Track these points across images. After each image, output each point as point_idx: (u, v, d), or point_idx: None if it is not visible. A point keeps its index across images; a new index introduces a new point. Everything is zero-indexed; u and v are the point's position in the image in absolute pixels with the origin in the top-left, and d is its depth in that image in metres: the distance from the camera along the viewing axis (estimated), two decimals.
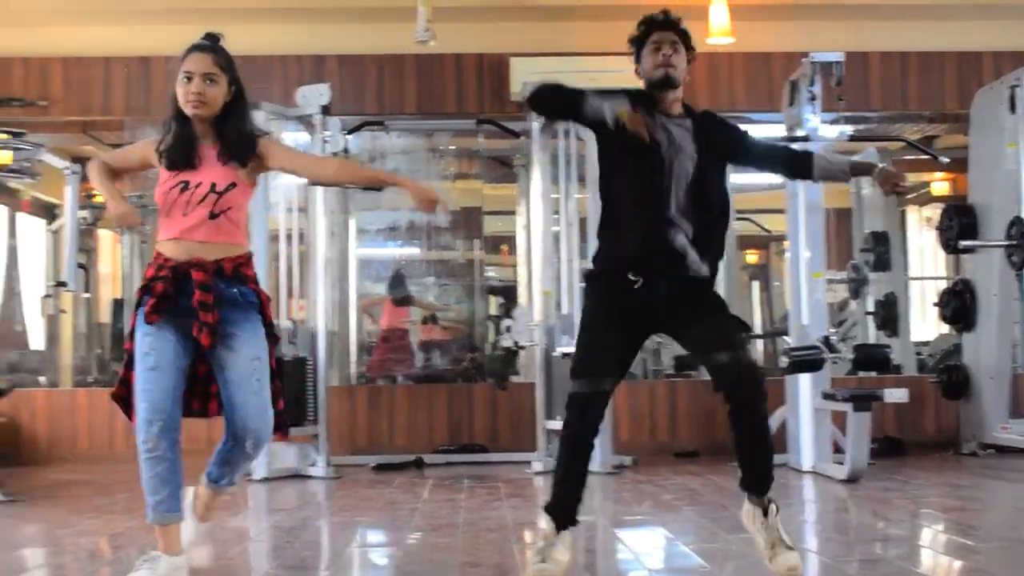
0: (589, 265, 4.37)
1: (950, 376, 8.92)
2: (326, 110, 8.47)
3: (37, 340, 11.61)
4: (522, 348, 8.60)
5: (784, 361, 7.75)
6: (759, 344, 11.81)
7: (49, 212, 11.63)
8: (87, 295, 11.79)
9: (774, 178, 7.49)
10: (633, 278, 4.07)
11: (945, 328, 10.35)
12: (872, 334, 10.99)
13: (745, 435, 4.03)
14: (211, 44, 3.99)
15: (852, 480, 7.05)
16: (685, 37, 4.19)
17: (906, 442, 8.96)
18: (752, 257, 13.42)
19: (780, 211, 8.89)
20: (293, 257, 8.51)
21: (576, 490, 4.09)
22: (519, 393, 8.94)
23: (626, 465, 8.18)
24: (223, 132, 3.95)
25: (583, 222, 8.33)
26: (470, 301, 11.46)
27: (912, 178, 12.27)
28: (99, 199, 11.52)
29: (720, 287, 10.61)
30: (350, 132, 9.09)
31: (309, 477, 8.00)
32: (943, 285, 10.65)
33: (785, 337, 8.70)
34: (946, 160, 9.32)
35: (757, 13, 9.26)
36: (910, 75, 9.77)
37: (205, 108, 3.91)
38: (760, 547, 4.06)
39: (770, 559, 4.00)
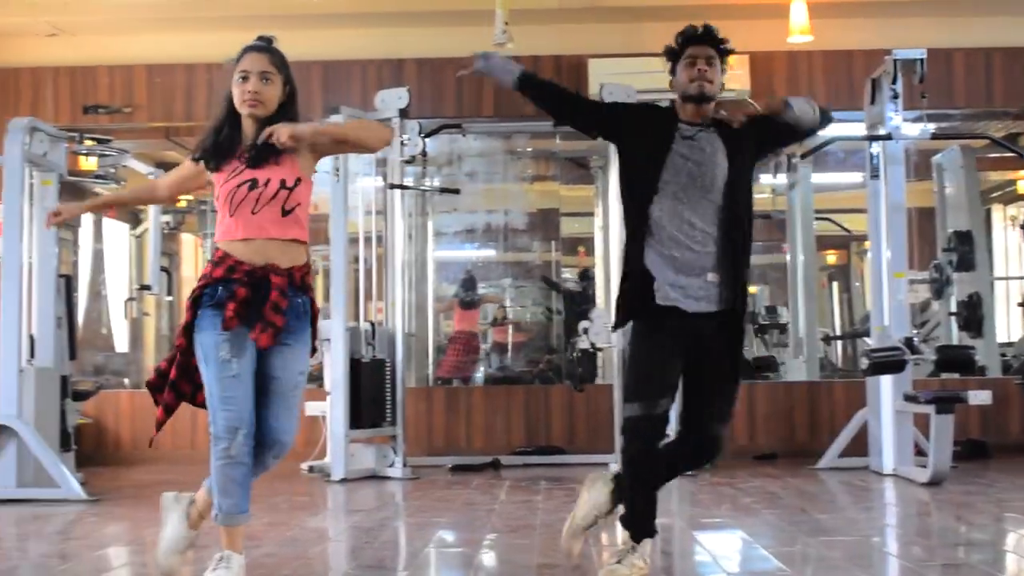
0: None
1: None
2: (404, 113, 8.53)
3: (121, 342, 11.82)
4: (599, 350, 8.58)
5: (865, 363, 7.66)
6: (838, 346, 11.68)
7: (134, 217, 11.85)
8: (169, 298, 11.99)
9: (855, 178, 7.40)
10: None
11: None
12: (955, 335, 10.81)
13: (670, 470, 4.21)
14: (266, 44, 4.01)
15: (934, 483, 6.95)
16: (722, 51, 4.13)
17: (990, 445, 8.81)
18: (832, 257, 13.28)
19: (861, 211, 8.78)
20: (372, 259, 8.58)
21: (648, 507, 4.08)
22: (596, 395, 8.92)
23: (704, 468, 8.13)
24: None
25: None
26: (546, 303, 11.46)
27: (997, 176, 12.10)
28: (182, 204, 11.75)
29: (799, 288, 10.59)
30: (428, 135, 9.13)
31: (387, 478, 8.06)
32: None
33: (866, 338, 8.60)
34: None
35: (836, 11, 9.16)
36: (995, 71, 9.60)
37: (261, 107, 3.90)
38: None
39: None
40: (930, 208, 11.50)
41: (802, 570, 4.45)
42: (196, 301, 3.87)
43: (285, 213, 3.88)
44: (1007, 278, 12.58)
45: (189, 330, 3.86)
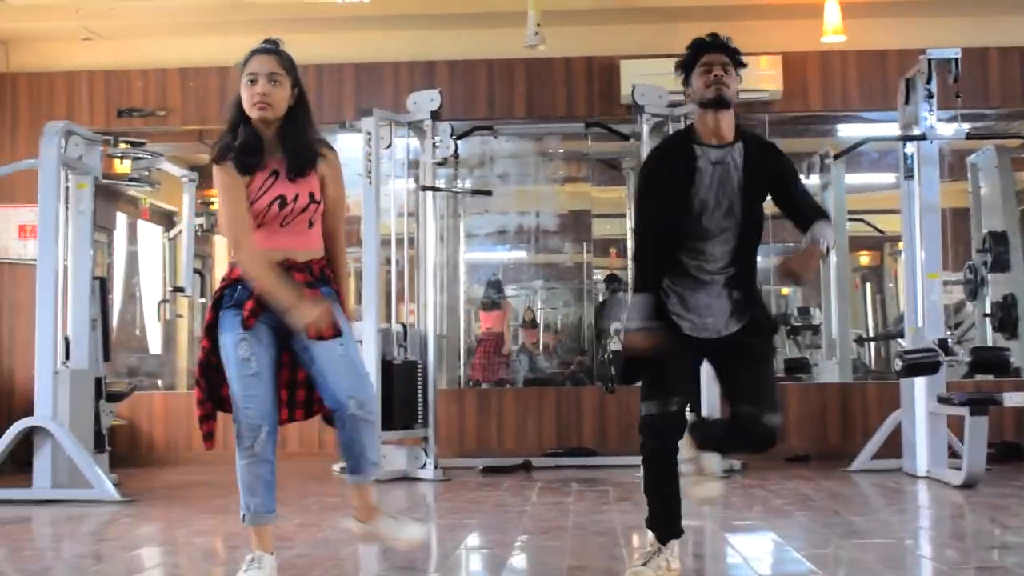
0: None
1: None
2: (436, 115, 8.56)
3: (155, 344, 11.89)
4: None
5: (898, 364, 7.61)
6: (871, 347, 11.60)
7: (167, 219, 11.91)
8: (203, 300, 12.01)
9: (888, 178, 7.37)
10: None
11: None
12: (989, 336, 10.72)
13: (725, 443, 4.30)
14: (273, 47, 4.00)
15: (968, 486, 6.90)
16: (736, 58, 4.06)
17: None
18: (865, 258, 13.20)
19: (894, 211, 8.73)
20: (404, 261, 8.60)
21: (668, 506, 4.09)
22: (627, 396, 8.88)
23: (735, 469, 8.10)
24: (286, 146, 3.93)
25: None
26: (578, 304, 11.46)
27: None
28: (215, 207, 11.80)
29: (832, 289, 10.52)
30: (460, 137, 9.17)
31: (418, 479, 8.07)
32: None
33: (899, 340, 8.55)
34: None
35: (870, 10, 9.12)
36: None
37: (270, 110, 3.89)
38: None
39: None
40: (964, 209, 11.40)
41: (835, 572, 4.43)
42: (217, 303, 3.92)
43: (310, 225, 3.96)
44: None
45: (211, 330, 3.91)
